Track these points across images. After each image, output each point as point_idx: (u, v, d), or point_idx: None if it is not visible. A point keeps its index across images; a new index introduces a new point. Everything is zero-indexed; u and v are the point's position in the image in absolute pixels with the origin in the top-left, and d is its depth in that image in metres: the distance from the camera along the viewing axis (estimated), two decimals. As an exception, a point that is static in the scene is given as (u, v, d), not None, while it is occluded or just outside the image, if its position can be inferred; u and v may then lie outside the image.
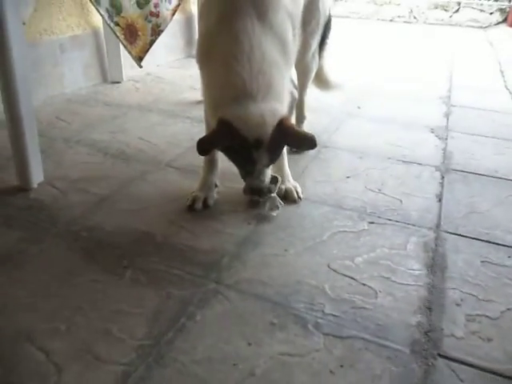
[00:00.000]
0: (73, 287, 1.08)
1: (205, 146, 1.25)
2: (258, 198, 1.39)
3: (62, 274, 1.12)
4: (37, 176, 1.52)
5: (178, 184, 1.58)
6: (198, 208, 1.42)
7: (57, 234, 1.28)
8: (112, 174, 1.64)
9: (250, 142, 1.21)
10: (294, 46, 1.40)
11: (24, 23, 2.13)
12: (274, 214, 1.40)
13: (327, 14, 1.75)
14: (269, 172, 1.35)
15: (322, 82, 1.98)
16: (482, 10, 6.04)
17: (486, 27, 5.97)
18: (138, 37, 1.60)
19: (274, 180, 1.43)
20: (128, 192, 1.52)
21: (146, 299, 1.05)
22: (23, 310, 1.01)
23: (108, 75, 2.72)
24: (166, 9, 1.70)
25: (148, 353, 0.91)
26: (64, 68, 2.45)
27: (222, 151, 1.32)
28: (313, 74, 1.84)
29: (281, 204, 1.42)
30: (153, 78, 2.90)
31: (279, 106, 1.25)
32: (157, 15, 1.64)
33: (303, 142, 1.31)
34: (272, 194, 1.40)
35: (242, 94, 1.21)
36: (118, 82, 2.71)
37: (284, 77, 1.29)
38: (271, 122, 1.22)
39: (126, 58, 2.59)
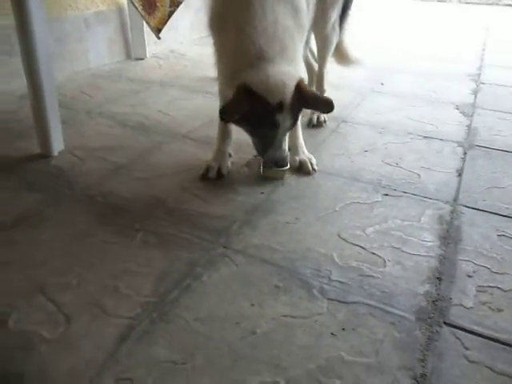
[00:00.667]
0: (85, 246, 1.11)
1: (227, 113, 1.22)
2: (281, 168, 1.39)
3: (75, 234, 1.16)
4: (57, 144, 1.57)
5: (194, 154, 1.59)
6: (212, 177, 1.43)
7: (73, 198, 1.32)
8: (130, 144, 1.66)
9: (272, 105, 1.20)
10: (307, 14, 1.38)
11: (49, -2, 2.16)
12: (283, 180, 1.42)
13: None
14: (286, 141, 1.35)
15: (342, 56, 1.94)
16: (522, -13, 5.72)
17: (525, 5, 5.66)
18: (157, 8, 1.60)
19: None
20: (144, 161, 1.55)
21: (154, 260, 1.07)
22: (37, 265, 1.04)
23: (132, 52, 2.75)
24: (184, -21, 1.69)
25: (153, 309, 0.93)
26: (89, 43, 2.49)
27: (241, 123, 1.29)
28: (333, 47, 1.80)
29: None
30: (176, 55, 2.91)
31: (294, 68, 1.24)
32: (176, -14, 1.64)
33: (321, 104, 1.30)
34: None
35: (259, 59, 1.20)
36: (142, 59, 2.74)
37: (296, 43, 1.28)
38: (291, 85, 1.21)
39: (149, 35, 2.61)
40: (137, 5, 1.52)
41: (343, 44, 1.89)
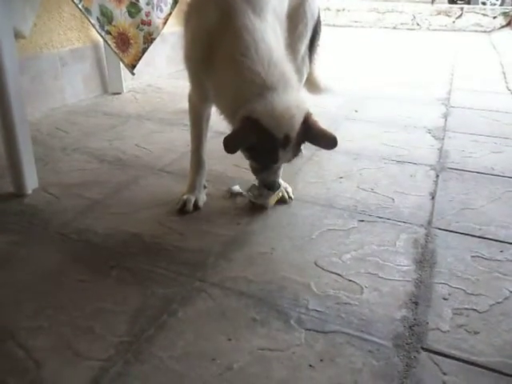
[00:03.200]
0: (58, 286, 1.09)
1: (232, 145, 1.17)
2: (270, 191, 1.40)
3: (48, 274, 1.13)
4: (31, 182, 1.55)
5: (170, 188, 1.59)
6: (189, 210, 1.42)
7: (47, 237, 1.29)
8: (106, 180, 1.65)
9: (278, 139, 1.17)
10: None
11: (24, 37, 2.18)
12: (267, 206, 1.44)
13: (315, 17, 1.76)
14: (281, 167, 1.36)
15: (313, 85, 1.98)
16: (485, 15, 6.03)
17: (489, 31, 5.95)
18: (131, 45, 1.63)
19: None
20: (120, 196, 1.54)
21: (129, 297, 1.05)
22: (7, 308, 1.02)
23: (108, 87, 2.77)
24: (157, 17, 1.73)
25: (127, 349, 0.91)
26: (65, 81, 2.51)
27: (242, 150, 1.26)
28: (303, 78, 1.84)
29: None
30: (153, 88, 2.94)
31: (301, 96, 1.23)
32: (148, 23, 1.67)
33: (325, 141, 1.25)
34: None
35: (263, 88, 1.17)
36: (119, 93, 2.76)
37: (291, 66, 1.28)
38: (299, 118, 1.19)
39: (125, 70, 2.64)
40: (110, 42, 1.55)
41: (313, 74, 1.94)
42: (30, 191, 1.54)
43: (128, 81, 2.81)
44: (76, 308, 1.02)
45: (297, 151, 1.27)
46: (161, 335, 0.94)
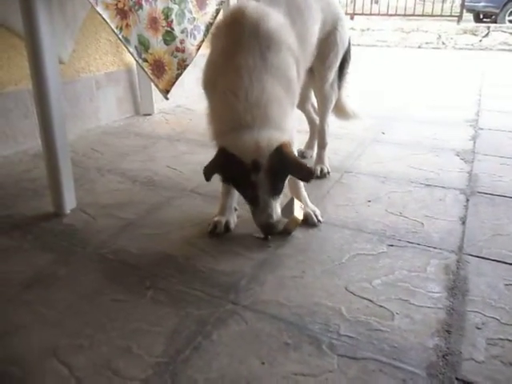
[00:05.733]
0: (96, 306, 1.13)
1: (207, 172, 1.30)
2: (268, 235, 1.39)
3: (87, 293, 1.18)
4: (70, 203, 1.62)
5: (201, 209, 1.63)
6: (220, 232, 1.46)
7: (85, 257, 1.35)
8: (139, 200, 1.71)
9: (246, 164, 1.24)
10: (298, 81, 1.45)
11: (64, 63, 2.30)
12: (270, 244, 1.41)
13: (346, 45, 1.80)
14: (278, 207, 1.33)
15: (341, 111, 2.02)
16: (512, 34, 5.97)
17: (518, 50, 5.88)
18: (165, 71, 1.70)
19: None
20: (153, 217, 1.59)
21: (165, 318, 1.09)
22: (49, 327, 1.06)
23: (140, 108, 2.88)
24: (191, 44, 1.81)
25: (164, 370, 0.94)
26: (99, 102, 2.61)
27: (227, 182, 1.36)
28: (332, 105, 1.87)
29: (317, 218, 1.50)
30: (182, 109, 3.03)
31: (278, 133, 1.27)
32: (182, 50, 1.75)
33: (300, 171, 1.30)
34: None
35: (238, 125, 1.26)
36: (149, 115, 2.86)
37: (286, 110, 1.32)
38: (266, 146, 1.24)
39: (156, 92, 2.73)
40: (146, 69, 1.62)
41: (341, 100, 1.97)
42: (68, 211, 1.61)
43: (158, 102, 2.90)
44: (114, 327, 1.06)
45: (276, 183, 1.29)
46: (196, 357, 0.97)
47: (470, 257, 1.33)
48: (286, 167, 1.28)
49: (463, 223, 1.52)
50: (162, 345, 1.00)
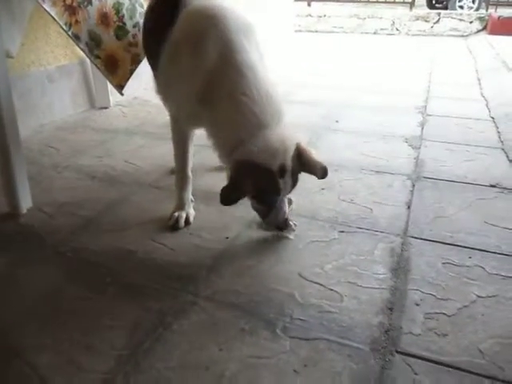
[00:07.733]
0: (58, 305, 1.16)
1: (232, 198, 1.19)
2: (283, 230, 1.40)
3: (47, 293, 1.20)
4: (26, 202, 1.61)
5: (160, 203, 1.66)
6: (181, 227, 1.49)
7: (43, 256, 1.36)
8: (98, 197, 1.72)
9: (274, 171, 1.20)
10: None
11: (12, 57, 2.23)
12: (291, 236, 1.43)
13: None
14: (286, 202, 1.35)
15: None
16: (461, 20, 6.21)
17: (466, 35, 6.13)
18: (118, 66, 1.70)
19: (289, 202, 1.43)
20: (113, 213, 1.61)
21: (126, 312, 1.13)
22: (12, 328, 1.08)
23: (96, 101, 2.83)
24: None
25: (126, 361, 0.98)
26: (53, 97, 2.56)
27: (260, 201, 1.29)
28: None
29: (295, 225, 1.44)
30: (139, 101, 3.01)
31: (290, 128, 1.26)
32: (135, 45, 1.75)
33: (315, 168, 1.28)
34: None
35: (258, 127, 1.20)
36: (106, 108, 2.82)
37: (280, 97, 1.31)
38: (291, 147, 1.22)
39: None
40: (99, 65, 1.62)
41: None
42: (24, 211, 1.60)
43: (115, 94, 2.85)
44: (76, 325, 1.09)
45: (295, 182, 1.30)
46: (157, 347, 1.02)
47: (413, 239, 1.43)
48: (304, 165, 1.27)
49: (408, 207, 1.63)
50: (123, 338, 1.05)
